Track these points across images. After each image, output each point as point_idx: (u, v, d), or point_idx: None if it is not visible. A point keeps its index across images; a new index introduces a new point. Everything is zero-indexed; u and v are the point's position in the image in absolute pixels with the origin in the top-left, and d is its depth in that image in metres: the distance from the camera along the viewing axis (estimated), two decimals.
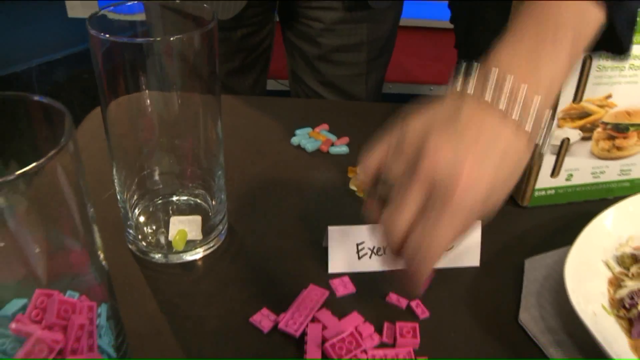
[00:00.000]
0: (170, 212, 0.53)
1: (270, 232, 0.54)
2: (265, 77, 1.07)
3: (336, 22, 0.91)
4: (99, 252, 0.36)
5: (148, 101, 0.45)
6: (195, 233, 0.51)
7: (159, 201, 0.53)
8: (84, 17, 2.59)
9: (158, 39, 0.41)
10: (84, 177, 0.32)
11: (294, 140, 0.66)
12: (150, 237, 0.51)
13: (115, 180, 0.49)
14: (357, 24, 0.93)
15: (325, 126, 0.69)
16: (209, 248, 0.51)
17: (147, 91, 0.44)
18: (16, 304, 0.35)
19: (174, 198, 0.54)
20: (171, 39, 0.40)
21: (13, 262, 0.32)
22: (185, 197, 0.53)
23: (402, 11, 1.02)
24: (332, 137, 0.66)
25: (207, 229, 0.51)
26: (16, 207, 0.29)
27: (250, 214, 0.56)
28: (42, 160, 0.28)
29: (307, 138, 0.66)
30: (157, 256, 0.50)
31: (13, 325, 0.33)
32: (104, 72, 0.43)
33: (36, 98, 0.32)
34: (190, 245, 0.50)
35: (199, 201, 0.53)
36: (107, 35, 0.41)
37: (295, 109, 0.74)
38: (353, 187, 0.59)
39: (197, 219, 0.52)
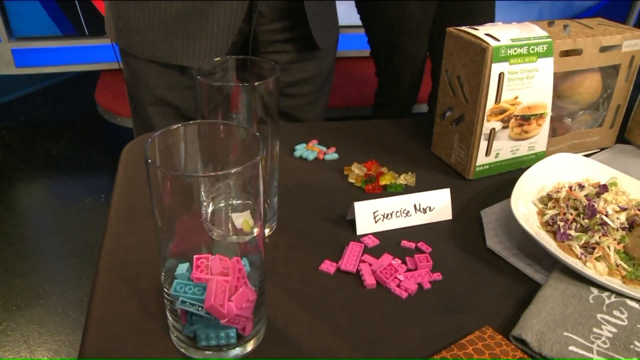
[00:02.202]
0: (230, 210, 0.73)
1: (306, 215, 0.75)
2: None
3: (289, 62, 1.14)
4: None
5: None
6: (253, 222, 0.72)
7: (221, 204, 0.73)
8: None
9: (246, 84, 0.62)
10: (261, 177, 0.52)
11: (296, 154, 0.88)
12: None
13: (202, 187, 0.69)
14: (305, 62, 1.15)
15: (315, 141, 0.91)
16: (270, 231, 0.72)
17: (234, 118, 0.64)
18: (183, 267, 0.54)
19: (236, 201, 0.74)
20: (256, 83, 0.61)
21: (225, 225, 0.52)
22: (239, 201, 0.74)
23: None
24: (323, 148, 0.89)
25: (264, 220, 0.72)
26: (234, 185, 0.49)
27: (287, 205, 0.77)
28: (251, 162, 0.48)
29: (305, 151, 0.88)
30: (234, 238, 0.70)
31: (195, 276, 0.53)
32: (206, 106, 0.62)
33: (236, 125, 0.52)
34: (253, 230, 0.71)
35: (250, 202, 0.74)
36: (213, 82, 0.61)
37: (284, 131, 0.96)
38: (352, 180, 0.82)
39: (248, 212, 0.73)
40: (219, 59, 0.66)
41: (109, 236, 0.70)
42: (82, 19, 2.47)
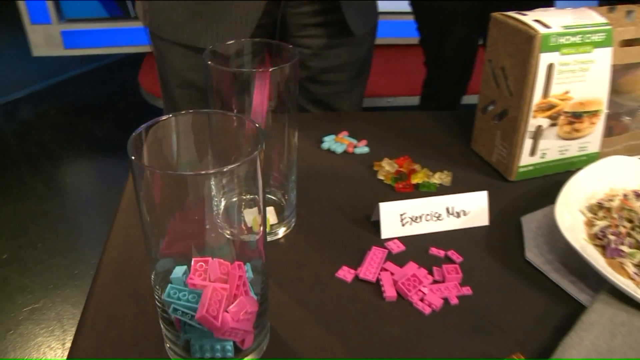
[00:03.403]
0: (244, 205, 0.68)
1: (327, 214, 0.69)
2: None
3: (322, 47, 1.08)
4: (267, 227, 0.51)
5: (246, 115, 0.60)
6: (273, 219, 0.66)
7: (234, 198, 0.68)
8: (48, 54, 2.66)
9: (260, 69, 0.56)
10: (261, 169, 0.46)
11: (324, 146, 0.82)
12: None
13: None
14: (339, 48, 1.09)
15: (346, 132, 0.85)
16: (287, 230, 0.66)
17: (247, 107, 0.58)
18: (180, 270, 0.49)
19: (248, 196, 0.68)
20: (270, 69, 0.56)
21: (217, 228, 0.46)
22: (254, 195, 0.68)
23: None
24: (354, 141, 0.83)
25: (282, 217, 0.66)
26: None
27: (308, 203, 0.71)
28: (247, 159, 0.42)
29: (334, 143, 0.82)
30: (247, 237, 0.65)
31: (190, 281, 0.48)
32: (216, 93, 0.57)
33: (232, 115, 0.46)
34: (272, 228, 0.65)
35: (271, 197, 0.68)
36: (223, 67, 0.55)
37: (315, 121, 0.90)
38: (381, 177, 0.76)
39: (271, 209, 0.67)
40: (233, 42, 0.60)
41: (115, 229, 0.66)
42: (128, 0, 2.47)
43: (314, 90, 1.13)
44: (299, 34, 1.06)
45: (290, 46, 0.59)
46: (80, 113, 2.67)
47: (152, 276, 0.48)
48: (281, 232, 0.66)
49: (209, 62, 0.56)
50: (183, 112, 0.45)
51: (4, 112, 2.66)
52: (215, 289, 0.48)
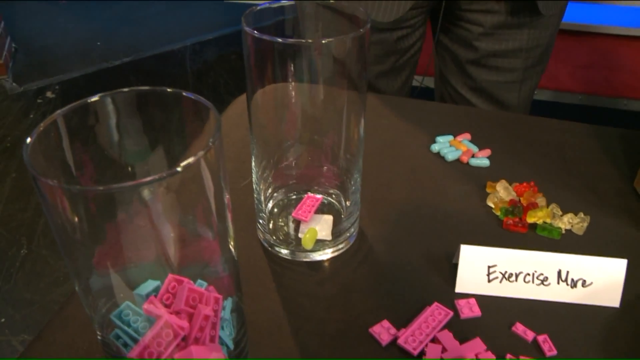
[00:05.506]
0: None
1: (400, 241, 0.53)
2: (412, 79, 1.05)
3: (497, 26, 0.88)
4: (230, 242, 0.37)
5: (294, 94, 0.46)
6: (325, 233, 0.51)
7: (293, 196, 0.55)
8: (238, 1, 2.70)
9: (310, 40, 0.41)
10: (224, 169, 0.32)
11: (434, 147, 0.65)
12: (280, 232, 0.53)
13: (254, 170, 0.51)
14: (518, 29, 0.89)
15: (467, 135, 0.67)
16: (337, 250, 0.52)
17: (294, 84, 0.44)
18: (150, 284, 0.37)
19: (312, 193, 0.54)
20: (323, 41, 0.41)
21: (151, 243, 0.33)
22: (319, 196, 0.54)
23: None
24: (474, 148, 0.64)
25: (337, 231, 0.51)
26: (160, 195, 0.29)
27: (381, 219, 0.55)
28: (191, 160, 0.28)
29: (447, 147, 0.64)
30: (284, 251, 0.52)
31: (145, 305, 0.35)
32: (255, 67, 0.44)
33: (187, 95, 0.33)
34: (319, 245, 0.51)
35: (332, 200, 0.54)
36: (261, 35, 0.42)
37: (438, 114, 0.72)
38: (490, 204, 0.57)
39: (329, 218, 0.52)
40: (279, 4, 0.46)
41: None
42: None
43: (478, 77, 0.95)
44: (471, 8, 0.87)
45: (361, 9, 0.43)
46: None
47: (76, 286, 0.36)
48: (328, 253, 0.51)
49: (247, 29, 0.42)
50: (122, 90, 0.32)
51: (191, 52, 2.76)
52: (169, 324, 0.35)
